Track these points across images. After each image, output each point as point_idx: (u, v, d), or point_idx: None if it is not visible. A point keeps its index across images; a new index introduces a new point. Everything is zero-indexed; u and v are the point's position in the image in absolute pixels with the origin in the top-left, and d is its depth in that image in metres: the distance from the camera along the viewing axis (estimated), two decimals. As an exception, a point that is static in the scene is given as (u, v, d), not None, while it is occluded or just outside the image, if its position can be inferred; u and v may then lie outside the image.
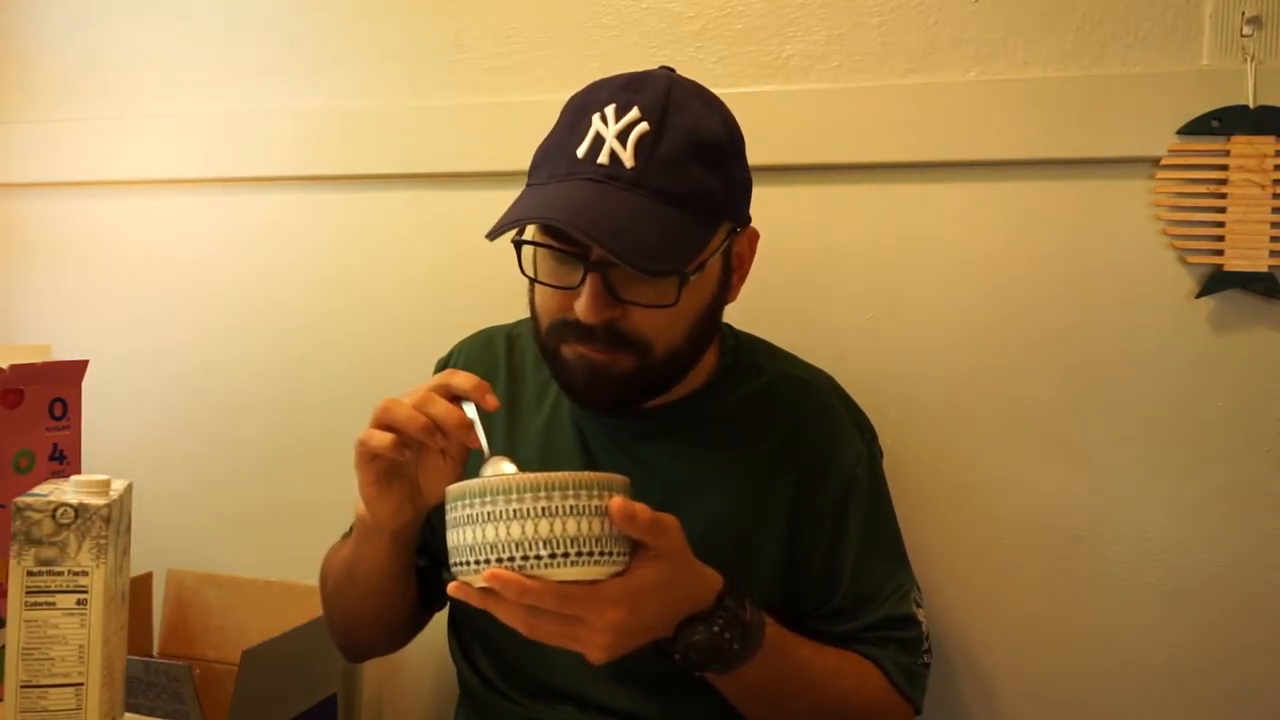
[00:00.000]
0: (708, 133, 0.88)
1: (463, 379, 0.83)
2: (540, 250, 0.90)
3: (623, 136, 0.85)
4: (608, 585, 0.73)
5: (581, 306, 0.86)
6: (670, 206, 0.85)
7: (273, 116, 1.45)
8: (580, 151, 0.87)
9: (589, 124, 0.87)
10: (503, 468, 0.80)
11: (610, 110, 0.87)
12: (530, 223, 0.86)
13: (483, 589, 0.73)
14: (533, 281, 0.92)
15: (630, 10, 1.29)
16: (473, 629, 1.04)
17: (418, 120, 1.37)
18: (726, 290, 0.95)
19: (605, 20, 1.31)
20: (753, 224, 0.96)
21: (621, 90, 0.88)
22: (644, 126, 0.85)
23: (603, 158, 0.85)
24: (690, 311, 0.90)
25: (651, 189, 0.85)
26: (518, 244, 0.90)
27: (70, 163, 1.56)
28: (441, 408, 0.81)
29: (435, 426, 0.81)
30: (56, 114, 1.59)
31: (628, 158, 0.85)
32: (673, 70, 0.94)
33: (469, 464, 0.88)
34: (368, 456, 0.83)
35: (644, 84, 0.89)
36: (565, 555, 0.71)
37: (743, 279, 0.98)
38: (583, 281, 0.86)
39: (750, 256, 0.98)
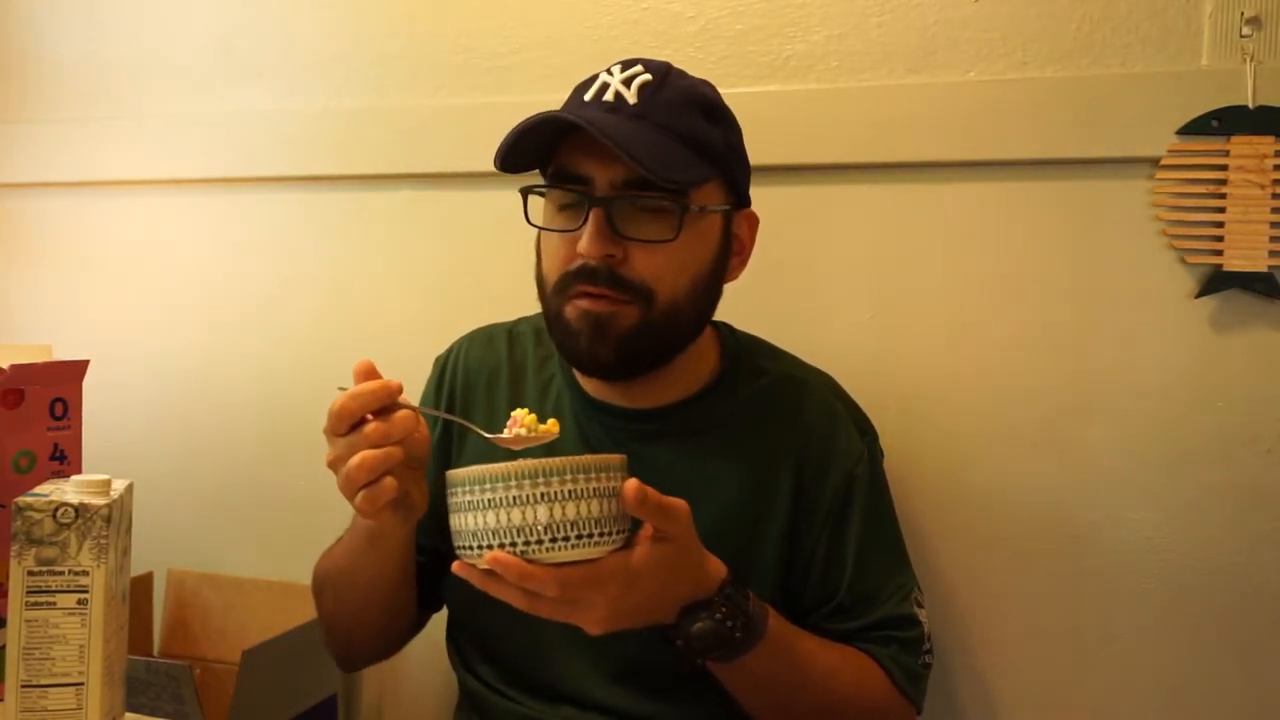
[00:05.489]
0: (707, 96, 0.94)
1: (362, 397, 0.82)
2: (546, 205, 0.93)
3: (627, 82, 0.90)
4: (606, 561, 0.75)
5: (584, 242, 0.87)
6: (673, 140, 0.88)
7: (272, 116, 1.45)
8: (587, 97, 0.91)
9: (596, 78, 0.92)
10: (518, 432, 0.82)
11: (616, 68, 0.92)
12: (547, 122, 0.87)
13: (484, 571, 0.75)
14: (541, 230, 0.94)
15: (630, 10, 1.29)
16: (471, 637, 1.03)
17: (418, 120, 1.37)
18: (725, 264, 0.96)
19: (605, 20, 1.31)
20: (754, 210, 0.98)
21: (627, 61, 0.94)
22: (647, 76, 0.91)
23: (608, 96, 0.90)
24: (692, 262, 0.91)
25: (654, 122, 0.88)
26: (524, 192, 0.92)
27: (70, 163, 1.55)
28: (392, 428, 0.80)
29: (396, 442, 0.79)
30: (56, 114, 1.58)
31: (631, 96, 0.89)
32: None
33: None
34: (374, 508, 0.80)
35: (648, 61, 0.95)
36: (565, 539, 0.73)
37: (743, 263, 0.99)
38: (585, 220, 0.88)
39: (750, 241, 1.00)
